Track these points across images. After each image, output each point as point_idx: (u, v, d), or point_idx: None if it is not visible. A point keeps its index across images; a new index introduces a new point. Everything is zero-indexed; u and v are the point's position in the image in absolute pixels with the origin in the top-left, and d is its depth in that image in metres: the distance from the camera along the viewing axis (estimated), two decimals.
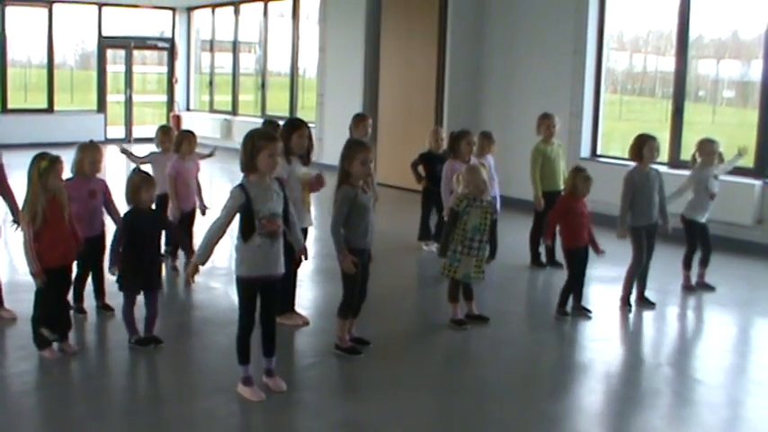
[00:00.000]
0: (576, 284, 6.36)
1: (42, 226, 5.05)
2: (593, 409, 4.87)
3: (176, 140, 7.32)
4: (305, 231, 5.91)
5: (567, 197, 6.42)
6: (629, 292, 6.63)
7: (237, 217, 4.53)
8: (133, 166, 6.83)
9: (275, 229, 4.55)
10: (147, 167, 6.96)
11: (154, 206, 5.69)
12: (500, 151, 8.57)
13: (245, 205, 4.46)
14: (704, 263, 7.27)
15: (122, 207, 5.52)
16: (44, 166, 5.06)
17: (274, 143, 4.52)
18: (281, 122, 6.28)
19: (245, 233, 4.50)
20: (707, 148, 7.14)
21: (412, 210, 9.40)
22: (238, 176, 4.64)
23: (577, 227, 6.25)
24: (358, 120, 8.11)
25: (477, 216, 5.83)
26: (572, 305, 6.39)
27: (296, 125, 5.83)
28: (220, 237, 4.56)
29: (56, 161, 5.13)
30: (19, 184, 5.83)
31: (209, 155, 7.97)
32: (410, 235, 8.81)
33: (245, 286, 4.60)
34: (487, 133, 8.19)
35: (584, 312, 6.38)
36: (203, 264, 4.62)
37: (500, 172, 8.25)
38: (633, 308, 6.58)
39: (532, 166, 7.86)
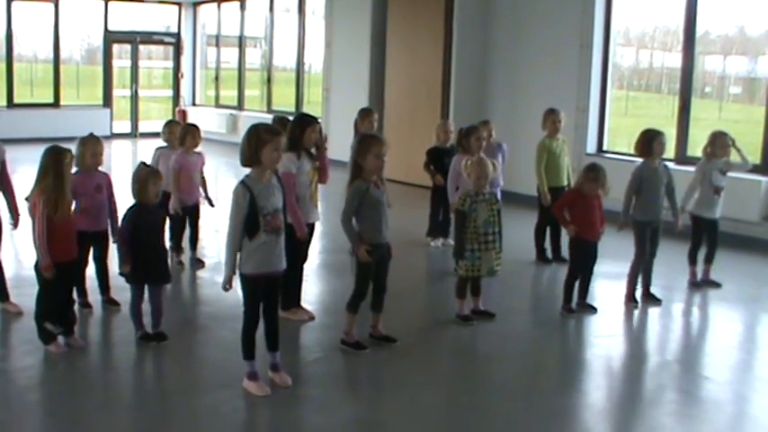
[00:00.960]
0: (576, 276, 6.33)
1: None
2: (600, 405, 4.86)
3: (180, 134, 7.30)
4: (312, 227, 5.91)
5: (573, 191, 6.37)
6: (634, 289, 6.61)
7: None
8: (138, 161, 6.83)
9: (279, 224, 4.55)
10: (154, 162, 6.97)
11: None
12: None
13: (249, 203, 4.45)
14: (709, 260, 7.24)
15: (128, 201, 5.50)
16: (69, 160, 5.15)
17: (279, 138, 4.52)
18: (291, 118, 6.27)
19: (251, 231, 4.49)
20: (720, 140, 7.08)
21: (418, 205, 9.39)
22: (242, 170, 4.63)
23: (588, 221, 6.20)
24: (364, 114, 8.08)
25: (484, 210, 5.82)
26: (576, 302, 6.38)
27: (308, 120, 5.78)
28: (241, 240, 4.53)
29: (72, 155, 5.27)
30: (25, 179, 5.84)
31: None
32: (417, 231, 8.79)
33: (250, 283, 4.59)
34: (482, 121, 8.20)
35: (589, 309, 6.37)
36: (234, 273, 4.57)
37: (504, 167, 8.21)
38: (639, 304, 6.57)
39: (537, 161, 7.82)
